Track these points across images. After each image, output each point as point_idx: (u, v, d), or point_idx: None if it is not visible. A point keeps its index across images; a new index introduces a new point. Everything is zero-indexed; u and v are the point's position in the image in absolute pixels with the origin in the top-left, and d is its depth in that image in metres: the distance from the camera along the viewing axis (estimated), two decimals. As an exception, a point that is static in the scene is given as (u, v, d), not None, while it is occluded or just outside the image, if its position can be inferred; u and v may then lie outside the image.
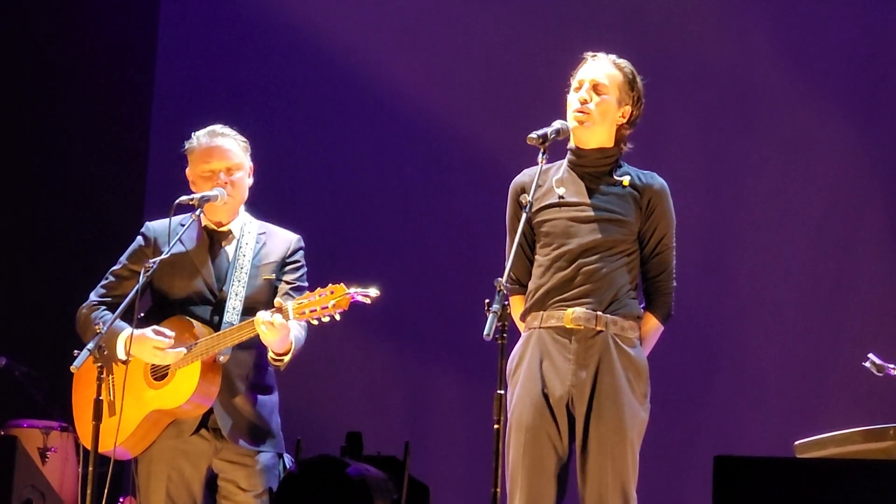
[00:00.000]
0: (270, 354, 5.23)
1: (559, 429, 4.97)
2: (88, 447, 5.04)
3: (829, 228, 7.82)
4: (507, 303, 4.57)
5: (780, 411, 7.71)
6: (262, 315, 5.09)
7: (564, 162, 5.16)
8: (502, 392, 4.56)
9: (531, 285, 5.10)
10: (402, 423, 8.42)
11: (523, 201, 4.99)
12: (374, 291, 5.07)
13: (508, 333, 4.58)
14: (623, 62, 5.16)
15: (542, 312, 5.04)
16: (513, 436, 5.00)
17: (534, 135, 4.95)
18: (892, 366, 5.76)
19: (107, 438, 5.10)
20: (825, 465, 4.39)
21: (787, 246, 7.89)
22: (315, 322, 5.11)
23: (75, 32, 9.12)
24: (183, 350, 5.19)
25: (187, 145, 5.44)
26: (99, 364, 5.00)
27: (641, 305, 5.13)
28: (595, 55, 5.17)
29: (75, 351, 5.01)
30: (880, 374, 5.78)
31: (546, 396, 4.97)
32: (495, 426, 4.53)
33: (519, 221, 4.95)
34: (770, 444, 7.29)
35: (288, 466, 5.45)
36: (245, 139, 5.45)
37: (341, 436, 7.38)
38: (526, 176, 5.17)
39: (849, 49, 7.90)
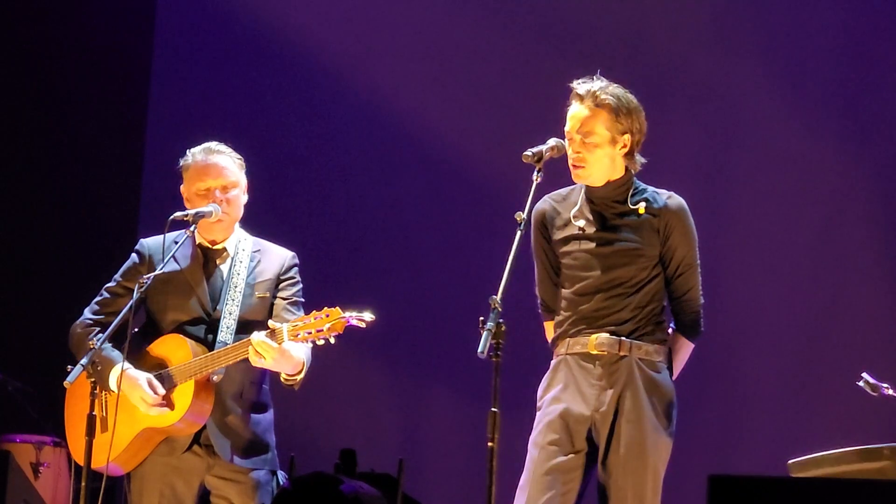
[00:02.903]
0: (282, 376, 5.23)
1: (577, 451, 4.99)
2: (81, 462, 5.03)
3: (824, 246, 7.82)
4: (501, 320, 4.57)
5: (775, 430, 7.70)
6: (257, 336, 5.08)
7: (582, 191, 5.17)
8: (496, 410, 4.56)
9: (558, 317, 5.15)
10: (395, 441, 8.40)
11: (547, 228, 5.12)
12: (368, 315, 5.08)
13: (504, 352, 4.57)
14: (606, 96, 5.06)
15: (567, 339, 5.09)
16: (530, 452, 5.02)
17: (529, 152, 4.96)
18: (886, 385, 5.76)
19: (99, 454, 5.09)
20: (820, 485, 4.38)
21: (782, 263, 7.88)
22: (309, 345, 5.12)
23: (70, 45, 9.10)
24: (166, 410, 5.18)
25: (182, 162, 5.43)
26: (92, 379, 4.99)
27: (671, 324, 5.17)
28: (578, 93, 5.08)
29: (69, 366, 5.00)
30: (875, 394, 5.78)
31: (569, 420, 5.00)
32: (489, 444, 4.54)
33: (542, 249, 5.13)
34: (764, 463, 7.28)
35: (282, 483, 5.44)
36: (240, 156, 5.45)
37: (335, 453, 7.37)
38: (546, 203, 5.21)
39: (843, 67, 7.91)
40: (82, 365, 4.96)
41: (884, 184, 7.80)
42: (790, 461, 5.57)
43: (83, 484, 4.95)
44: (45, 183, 9.01)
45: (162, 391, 5.18)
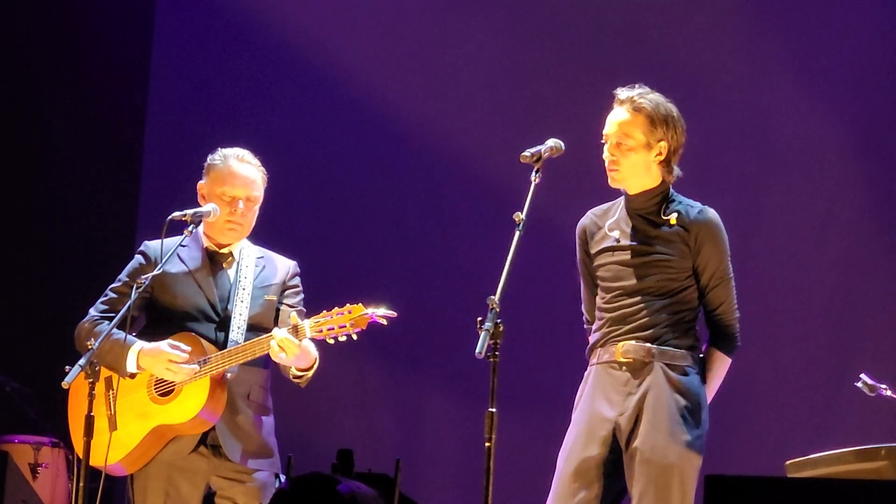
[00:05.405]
0: (293, 371, 5.25)
1: (607, 458, 5.02)
2: (92, 462, 5.00)
3: (826, 246, 7.82)
4: (499, 321, 4.58)
5: (772, 430, 7.70)
6: (280, 332, 5.09)
7: (621, 202, 5.22)
8: (494, 410, 4.57)
9: (594, 327, 5.23)
10: (393, 441, 8.40)
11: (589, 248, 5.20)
12: (392, 312, 5.11)
13: (502, 353, 4.58)
14: (644, 101, 5.12)
15: (598, 350, 5.15)
16: (560, 463, 5.06)
17: (527, 153, 4.98)
18: (884, 386, 5.77)
19: (110, 453, 5.08)
20: (817, 485, 4.39)
21: (783, 263, 7.88)
22: (331, 341, 5.13)
23: (68, 44, 9.10)
24: (196, 367, 5.18)
25: (210, 160, 5.45)
26: (90, 380, 4.98)
27: (706, 339, 5.20)
28: (619, 98, 5.13)
29: (67, 367, 5.00)
30: (872, 395, 5.80)
31: (597, 426, 5.03)
32: (486, 444, 4.54)
33: (584, 264, 5.23)
34: (761, 463, 7.29)
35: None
36: (265, 171, 5.47)
37: (332, 453, 7.36)
38: (588, 219, 5.29)
39: (849, 66, 7.92)
40: (80, 366, 4.94)
41: (884, 182, 7.80)
42: (787, 461, 5.58)
43: (81, 484, 4.93)
44: (44, 183, 9.01)
45: (187, 348, 5.17)
